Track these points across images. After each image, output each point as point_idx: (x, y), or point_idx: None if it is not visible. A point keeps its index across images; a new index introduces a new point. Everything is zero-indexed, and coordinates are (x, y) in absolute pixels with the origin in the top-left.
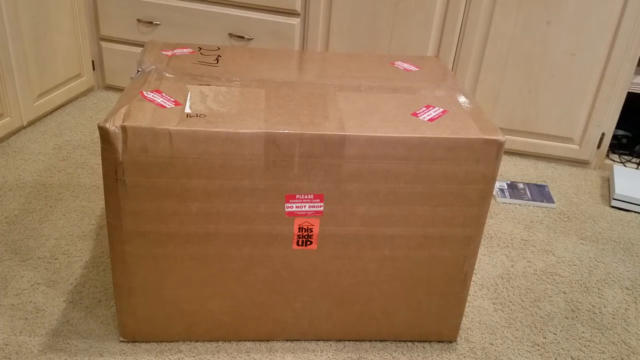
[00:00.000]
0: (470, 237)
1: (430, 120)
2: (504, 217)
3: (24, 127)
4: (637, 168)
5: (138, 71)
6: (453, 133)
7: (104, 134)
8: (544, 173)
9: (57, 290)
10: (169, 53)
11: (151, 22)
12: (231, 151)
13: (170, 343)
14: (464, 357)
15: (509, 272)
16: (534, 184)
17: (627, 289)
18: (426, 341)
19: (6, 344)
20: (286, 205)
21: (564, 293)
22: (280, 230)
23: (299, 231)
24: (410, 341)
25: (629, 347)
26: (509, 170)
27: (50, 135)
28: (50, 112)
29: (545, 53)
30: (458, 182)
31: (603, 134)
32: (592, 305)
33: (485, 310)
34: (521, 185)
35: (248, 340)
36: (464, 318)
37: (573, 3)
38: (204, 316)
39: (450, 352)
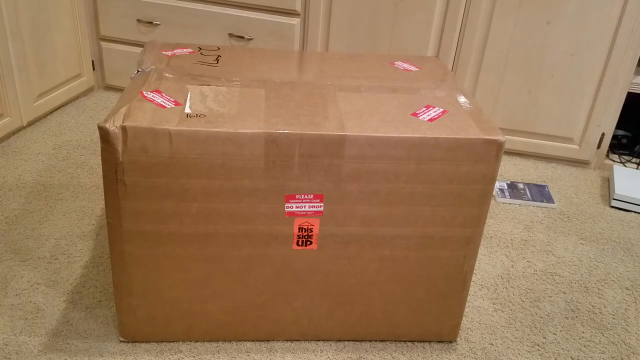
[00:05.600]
0: (470, 237)
1: (430, 120)
2: (504, 217)
3: (24, 127)
4: (637, 168)
5: (138, 71)
6: (453, 133)
7: (104, 134)
8: (544, 173)
9: (57, 290)
10: (169, 53)
11: (151, 22)
12: (231, 151)
13: (170, 343)
14: (464, 357)
15: (509, 272)
16: (534, 184)
17: (627, 289)
18: (426, 341)
19: (6, 344)
20: (286, 205)
21: (564, 293)
22: (280, 230)
23: (299, 231)
24: (410, 341)
25: (629, 347)
26: (509, 170)
27: (50, 135)
28: (50, 112)
29: (545, 53)
30: (458, 182)
31: (603, 134)
32: (592, 305)
33: (485, 310)
34: (521, 185)
35: (248, 340)
36: (464, 318)
37: (573, 3)
38: (204, 316)
39: (450, 352)
